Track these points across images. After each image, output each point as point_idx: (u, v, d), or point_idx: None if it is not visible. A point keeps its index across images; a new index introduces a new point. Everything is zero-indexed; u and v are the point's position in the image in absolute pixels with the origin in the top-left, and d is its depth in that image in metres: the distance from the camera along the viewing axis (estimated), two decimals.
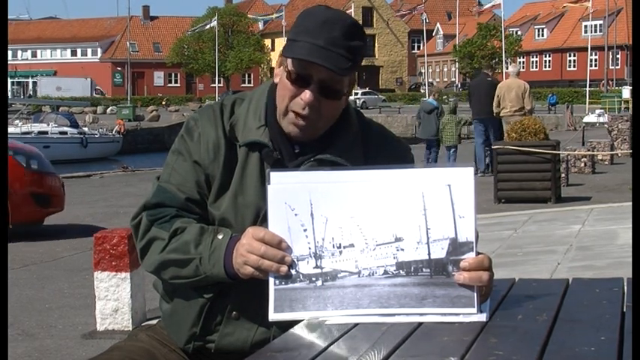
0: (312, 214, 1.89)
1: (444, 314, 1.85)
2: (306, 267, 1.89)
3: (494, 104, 15.64)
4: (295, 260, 1.89)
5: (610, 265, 7.10)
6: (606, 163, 18.13)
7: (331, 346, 1.71)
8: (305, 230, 1.89)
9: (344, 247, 1.88)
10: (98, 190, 16.62)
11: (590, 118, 35.85)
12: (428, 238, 1.86)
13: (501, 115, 15.60)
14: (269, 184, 1.90)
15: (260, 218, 2.09)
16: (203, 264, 2.06)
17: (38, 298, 7.13)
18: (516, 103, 15.40)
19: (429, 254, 1.87)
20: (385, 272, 1.87)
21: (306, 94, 2.08)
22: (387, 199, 1.88)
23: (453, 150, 17.65)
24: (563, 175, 13.81)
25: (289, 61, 2.11)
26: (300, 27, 2.12)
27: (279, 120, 2.16)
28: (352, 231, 1.88)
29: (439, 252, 1.86)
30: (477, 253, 1.88)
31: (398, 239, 1.87)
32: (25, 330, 6.10)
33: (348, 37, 2.08)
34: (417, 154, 2.30)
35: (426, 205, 1.86)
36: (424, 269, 1.87)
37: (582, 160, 16.49)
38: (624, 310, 1.93)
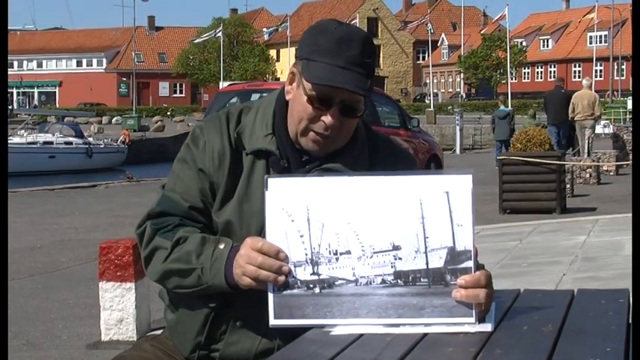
0: (308, 220, 1.88)
1: (448, 324, 1.84)
2: (303, 273, 1.88)
3: (570, 110, 19.27)
4: (293, 267, 1.89)
5: (615, 276, 7.08)
6: (612, 173, 18.09)
7: (335, 358, 1.70)
8: (302, 236, 1.88)
9: (340, 254, 1.87)
10: (103, 200, 16.61)
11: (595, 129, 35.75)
12: (426, 247, 1.85)
13: (575, 119, 19.30)
14: (267, 190, 1.90)
15: (265, 226, 2.09)
16: (204, 274, 2.06)
17: (43, 308, 7.12)
18: (588, 109, 19.38)
19: (426, 264, 1.85)
20: (383, 281, 1.86)
21: (329, 118, 2.10)
22: (384, 206, 1.86)
23: None
24: (568, 185, 13.77)
25: (308, 84, 2.10)
26: (313, 46, 2.10)
27: (298, 138, 2.16)
28: (349, 237, 1.87)
29: (437, 261, 1.85)
30: (477, 267, 1.86)
31: (395, 247, 1.86)
32: (30, 340, 6.10)
33: (366, 54, 2.10)
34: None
35: (424, 213, 1.85)
36: (422, 279, 1.85)
37: (587, 170, 16.47)
38: (630, 321, 1.92)
